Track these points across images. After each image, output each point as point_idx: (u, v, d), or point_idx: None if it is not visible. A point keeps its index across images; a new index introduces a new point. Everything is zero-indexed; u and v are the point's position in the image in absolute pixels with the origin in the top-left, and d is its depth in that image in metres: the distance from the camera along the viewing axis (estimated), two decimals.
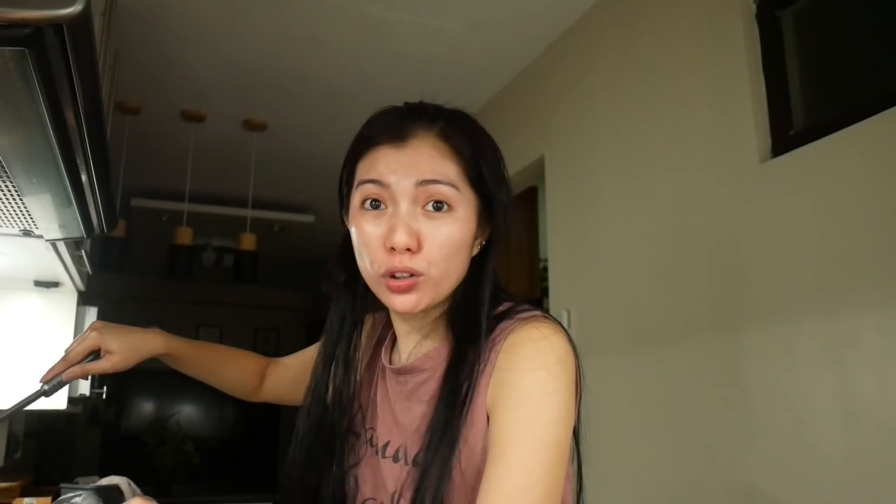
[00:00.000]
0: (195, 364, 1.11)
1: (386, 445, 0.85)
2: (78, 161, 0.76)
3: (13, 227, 1.10)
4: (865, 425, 1.39)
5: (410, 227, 0.76)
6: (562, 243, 2.55)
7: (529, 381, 0.72)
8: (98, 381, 2.33)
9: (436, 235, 0.77)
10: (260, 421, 7.00)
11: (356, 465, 0.88)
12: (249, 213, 3.85)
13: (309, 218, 4.58)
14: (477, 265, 0.83)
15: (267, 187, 4.04)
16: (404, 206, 0.77)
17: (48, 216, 0.99)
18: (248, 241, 3.67)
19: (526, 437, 0.70)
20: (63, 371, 1.02)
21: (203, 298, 6.69)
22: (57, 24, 0.49)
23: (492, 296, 0.82)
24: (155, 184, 4.08)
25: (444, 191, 0.77)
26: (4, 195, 0.90)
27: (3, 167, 0.78)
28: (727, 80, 1.81)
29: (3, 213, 1.01)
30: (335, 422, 0.89)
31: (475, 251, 0.83)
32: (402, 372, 0.86)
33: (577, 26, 2.53)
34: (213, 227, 4.53)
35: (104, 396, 2.45)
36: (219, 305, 6.88)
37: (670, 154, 2.01)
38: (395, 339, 0.93)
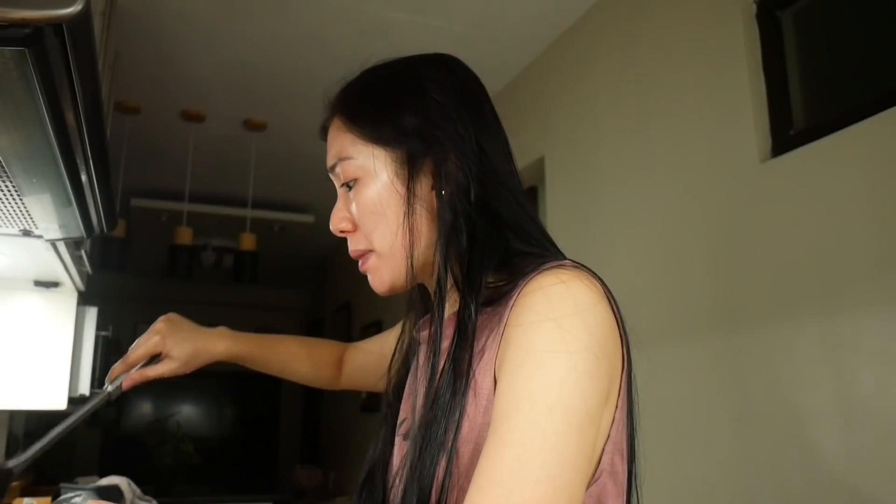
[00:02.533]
0: (265, 363, 1.09)
1: (402, 423, 0.78)
2: (78, 161, 0.76)
3: (13, 227, 1.10)
4: (865, 425, 1.39)
5: (339, 212, 0.76)
6: (562, 243, 2.54)
7: (532, 335, 0.58)
8: (98, 381, 2.33)
9: (356, 209, 0.74)
10: (260, 421, 7.01)
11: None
12: (249, 213, 3.85)
13: (309, 218, 4.58)
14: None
15: (267, 187, 4.04)
16: (339, 193, 0.77)
17: (48, 216, 0.99)
18: (248, 241, 3.67)
19: (522, 403, 0.56)
20: (123, 374, 1.00)
21: (203, 298, 6.69)
22: (57, 24, 0.49)
23: (479, 258, 0.69)
24: (155, 184, 4.08)
25: (342, 169, 0.74)
26: (4, 195, 0.90)
27: (3, 167, 0.78)
28: (727, 80, 1.81)
29: (3, 213, 1.01)
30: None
31: (438, 202, 0.71)
32: (425, 342, 0.77)
33: (578, 26, 2.53)
34: (213, 227, 4.52)
35: None
36: (219, 305, 6.88)
37: (670, 154, 2.01)
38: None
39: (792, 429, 1.54)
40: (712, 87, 1.87)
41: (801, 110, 1.69)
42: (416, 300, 0.83)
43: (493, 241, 0.70)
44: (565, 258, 0.70)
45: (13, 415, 2.67)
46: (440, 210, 0.70)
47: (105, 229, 1.08)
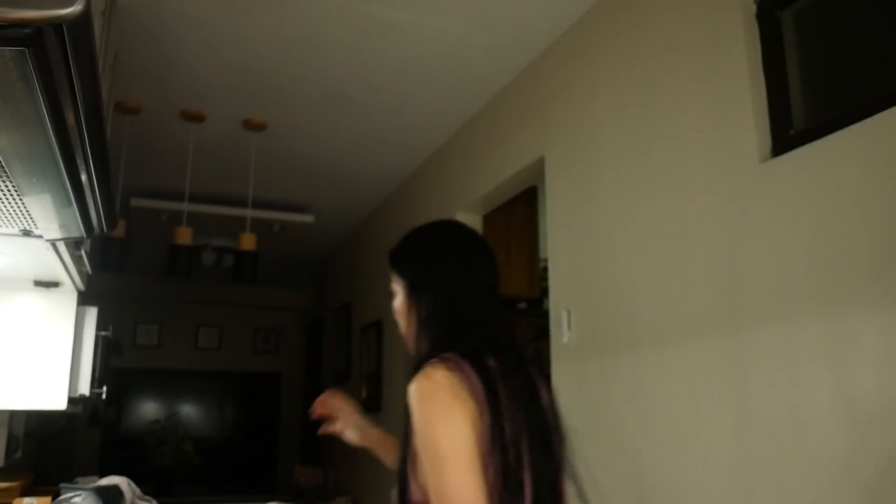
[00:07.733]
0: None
1: None
2: (78, 161, 0.76)
3: (13, 227, 1.10)
4: (865, 425, 1.39)
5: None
6: (562, 243, 2.55)
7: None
8: (98, 381, 2.33)
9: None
10: (260, 421, 7.01)
11: None
12: (249, 213, 3.85)
13: (309, 218, 4.58)
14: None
15: (267, 187, 4.04)
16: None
17: (48, 216, 0.99)
18: (248, 241, 3.66)
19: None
20: None
21: (203, 298, 6.69)
22: (57, 24, 0.49)
23: (440, 342, 1.12)
24: (155, 184, 4.08)
25: (392, 289, 1.27)
26: (4, 195, 0.90)
27: (3, 167, 0.78)
28: (727, 80, 1.81)
29: (3, 213, 1.01)
30: None
31: (423, 314, 1.19)
32: None
33: (577, 26, 2.53)
34: (213, 227, 4.52)
35: (104, 396, 2.45)
36: (219, 305, 6.88)
37: (670, 154, 2.01)
38: None
39: (791, 429, 1.54)
40: (712, 87, 1.87)
41: (801, 110, 1.69)
42: None
43: (446, 339, 1.13)
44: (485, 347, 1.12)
45: (13, 415, 2.67)
46: (421, 317, 1.19)
47: (105, 229, 1.08)
